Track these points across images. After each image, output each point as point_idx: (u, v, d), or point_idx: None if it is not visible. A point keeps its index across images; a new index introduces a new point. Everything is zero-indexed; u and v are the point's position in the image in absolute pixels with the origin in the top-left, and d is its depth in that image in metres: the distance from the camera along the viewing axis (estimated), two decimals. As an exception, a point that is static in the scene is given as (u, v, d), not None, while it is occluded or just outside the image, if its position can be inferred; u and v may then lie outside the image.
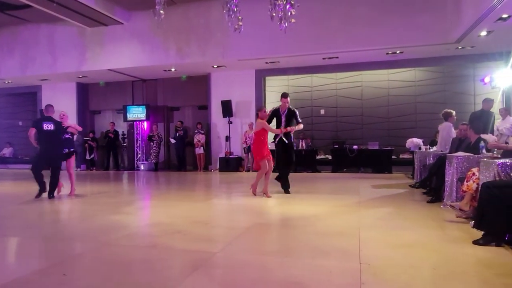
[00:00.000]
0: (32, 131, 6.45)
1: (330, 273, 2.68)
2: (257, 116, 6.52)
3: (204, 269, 2.81)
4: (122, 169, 13.72)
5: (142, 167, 13.09)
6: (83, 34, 12.06)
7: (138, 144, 13.67)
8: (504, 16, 7.19)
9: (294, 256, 3.12)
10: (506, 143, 5.92)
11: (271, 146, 6.81)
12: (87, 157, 13.71)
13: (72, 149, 6.90)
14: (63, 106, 13.93)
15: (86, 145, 13.64)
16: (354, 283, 2.47)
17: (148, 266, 2.90)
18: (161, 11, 6.87)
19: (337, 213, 4.88)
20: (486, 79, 9.41)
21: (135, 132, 13.74)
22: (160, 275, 2.70)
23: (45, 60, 12.51)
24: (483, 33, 8.32)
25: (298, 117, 6.60)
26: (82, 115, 14.35)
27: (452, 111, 7.22)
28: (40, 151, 6.43)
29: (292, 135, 6.66)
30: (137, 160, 13.59)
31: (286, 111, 6.59)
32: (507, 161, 3.60)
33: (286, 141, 6.56)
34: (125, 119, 13.55)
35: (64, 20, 11.13)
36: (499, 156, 4.50)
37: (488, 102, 7.38)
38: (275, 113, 6.65)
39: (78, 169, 13.67)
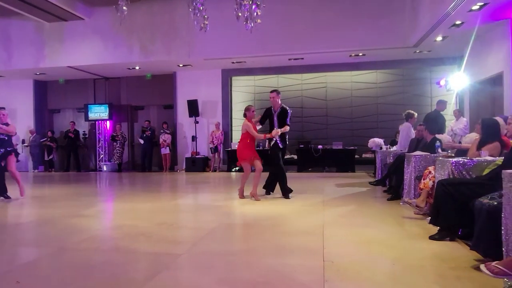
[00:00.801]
0: None
1: (294, 271, 2.72)
2: (244, 116, 6.02)
3: (168, 271, 2.77)
4: (83, 170, 13.22)
5: (104, 168, 12.68)
6: (41, 29, 11.48)
7: (100, 144, 13.23)
8: (458, 22, 7.60)
9: (260, 256, 3.14)
10: (460, 142, 6.27)
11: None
12: (46, 158, 13.09)
13: (9, 149, 6.48)
14: (19, 104, 13.29)
15: (45, 145, 13.02)
16: (317, 280, 2.52)
17: (109, 269, 2.81)
18: (124, 8, 6.68)
19: (302, 212, 4.96)
20: (442, 82, 9.91)
21: (97, 132, 13.28)
22: (123, 278, 2.63)
23: (-1, 55, 11.81)
24: (439, 38, 8.75)
25: (288, 118, 5.97)
26: (40, 114, 13.68)
27: (414, 112, 7.56)
28: None
29: (287, 137, 6.08)
30: (99, 161, 13.15)
31: (279, 110, 5.98)
32: (460, 159, 3.81)
33: (281, 146, 5.99)
34: (87, 118, 13.06)
35: (20, 14, 10.55)
36: (453, 155, 4.76)
37: (443, 103, 7.77)
38: (268, 112, 6.10)
39: (36, 171, 13.04)
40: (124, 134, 12.92)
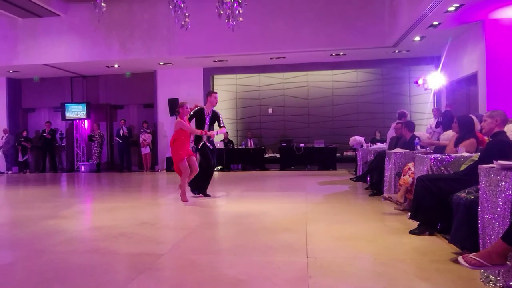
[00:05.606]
0: None
1: (278, 268, 2.71)
2: (177, 113, 5.80)
3: (150, 272, 2.71)
4: (60, 171, 12.86)
5: (82, 168, 12.37)
6: (14, 25, 11.07)
7: (78, 144, 12.90)
8: (435, 23, 7.78)
9: (243, 254, 3.12)
10: (438, 139, 6.41)
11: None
12: (20, 158, 12.66)
13: None
14: (-9, 103, 12.80)
15: (19, 146, 12.58)
16: (301, 276, 2.52)
17: (88, 272, 2.73)
18: (102, 4, 6.52)
19: (285, 210, 4.97)
20: (420, 81, 10.13)
21: (74, 132, 12.95)
22: (102, 280, 2.56)
23: (-31, 52, 11.34)
24: (417, 38, 8.94)
25: (221, 120, 6.04)
26: (13, 113, 13.19)
27: (407, 112, 7.73)
28: None
29: (214, 139, 6.17)
30: (77, 161, 12.82)
31: (211, 113, 5.95)
32: (439, 156, 3.90)
33: (211, 147, 6.01)
34: (63, 118, 12.72)
35: (-9, 9, 10.17)
36: (432, 151, 4.86)
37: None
38: (199, 113, 5.97)
39: (10, 172, 12.60)
40: (102, 134, 12.64)
